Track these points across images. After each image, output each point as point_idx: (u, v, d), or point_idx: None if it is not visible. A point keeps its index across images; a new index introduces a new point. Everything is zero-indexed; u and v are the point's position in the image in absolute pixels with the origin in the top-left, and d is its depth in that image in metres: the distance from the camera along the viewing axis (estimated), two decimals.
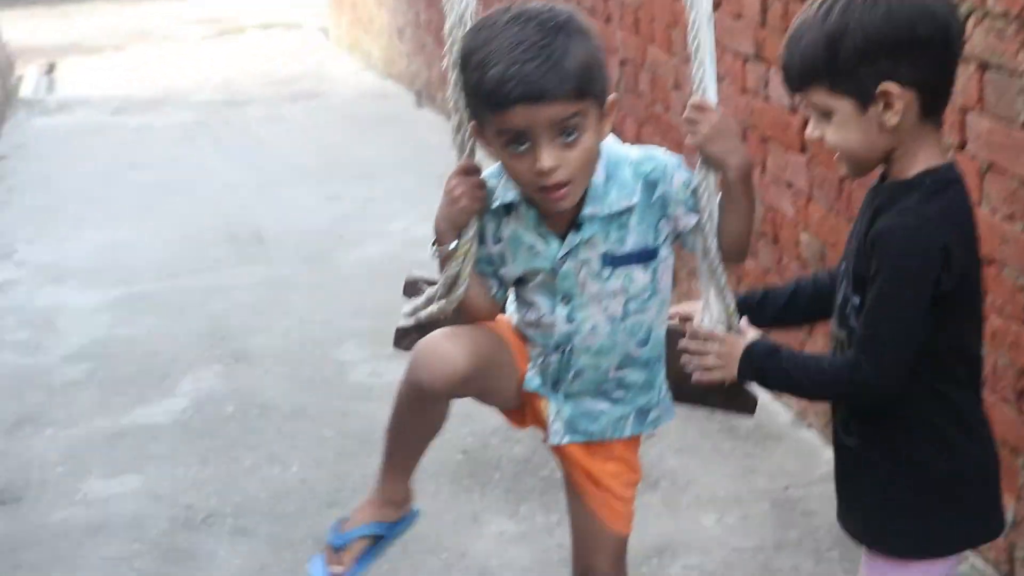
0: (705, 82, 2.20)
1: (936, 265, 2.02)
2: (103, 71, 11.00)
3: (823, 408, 3.90)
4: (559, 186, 2.12)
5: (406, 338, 2.45)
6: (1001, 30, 2.87)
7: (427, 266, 2.45)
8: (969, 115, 3.03)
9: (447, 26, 2.16)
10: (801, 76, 2.08)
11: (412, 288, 2.50)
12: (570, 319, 2.28)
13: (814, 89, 2.08)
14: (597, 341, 2.29)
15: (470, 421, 4.08)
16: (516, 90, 2.05)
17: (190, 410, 4.42)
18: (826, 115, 2.08)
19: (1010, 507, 3.07)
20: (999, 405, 3.06)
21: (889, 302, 2.04)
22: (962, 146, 3.06)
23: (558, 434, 2.38)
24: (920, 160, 2.08)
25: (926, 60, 2.03)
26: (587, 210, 2.20)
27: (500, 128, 2.11)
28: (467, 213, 2.21)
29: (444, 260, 2.25)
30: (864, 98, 2.04)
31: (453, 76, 2.19)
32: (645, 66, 4.92)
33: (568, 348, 2.30)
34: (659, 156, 2.25)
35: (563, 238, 2.23)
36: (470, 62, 2.12)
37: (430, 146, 7.62)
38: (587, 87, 2.10)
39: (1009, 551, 3.10)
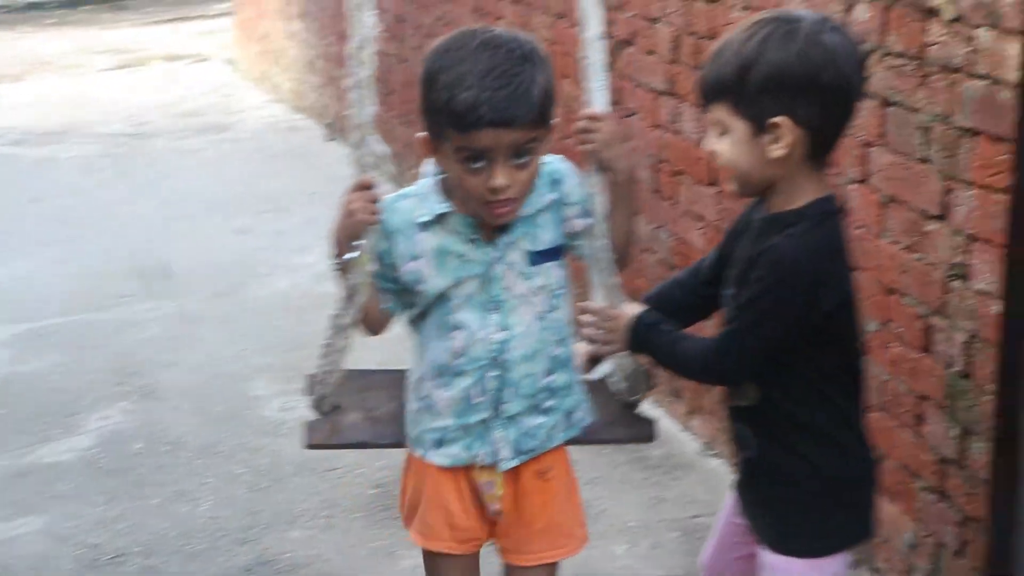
0: (597, 95, 2.43)
1: (810, 290, 2.22)
2: (1, 101, 10.91)
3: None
4: (506, 202, 2.31)
5: (318, 431, 2.59)
6: (901, 68, 3.04)
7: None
8: (871, 149, 3.19)
9: (351, 47, 2.31)
10: (712, 91, 2.28)
11: (313, 381, 2.60)
12: (503, 326, 2.43)
13: (719, 105, 2.27)
14: (529, 344, 2.44)
15: (384, 455, 4.15)
16: (488, 115, 2.22)
17: (96, 448, 4.44)
18: (724, 132, 2.28)
19: (910, 529, 3.21)
20: (898, 430, 3.21)
21: (758, 309, 2.25)
22: (864, 179, 3.22)
23: (507, 460, 2.50)
24: (804, 194, 2.27)
25: (822, 105, 2.20)
26: None
27: (462, 146, 2.27)
28: (363, 225, 2.35)
29: (343, 270, 2.40)
30: (759, 125, 2.22)
31: (357, 94, 2.33)
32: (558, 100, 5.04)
33: (505, 360, 2.44)
34: (556, 160, 2.47)
35: (491, 243, 2.41)
36: (438, 81, 2.27)
37: (340, 178, 7.54)
38: (546, 115, 2.31)
39: (908, 573, 3.24)
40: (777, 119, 2.19)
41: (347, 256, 2.37)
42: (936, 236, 2.98)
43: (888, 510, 3.28)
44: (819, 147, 2.25)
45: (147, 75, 11.90)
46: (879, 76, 3.11)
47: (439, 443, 2.50)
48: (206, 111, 10.05)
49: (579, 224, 2.45)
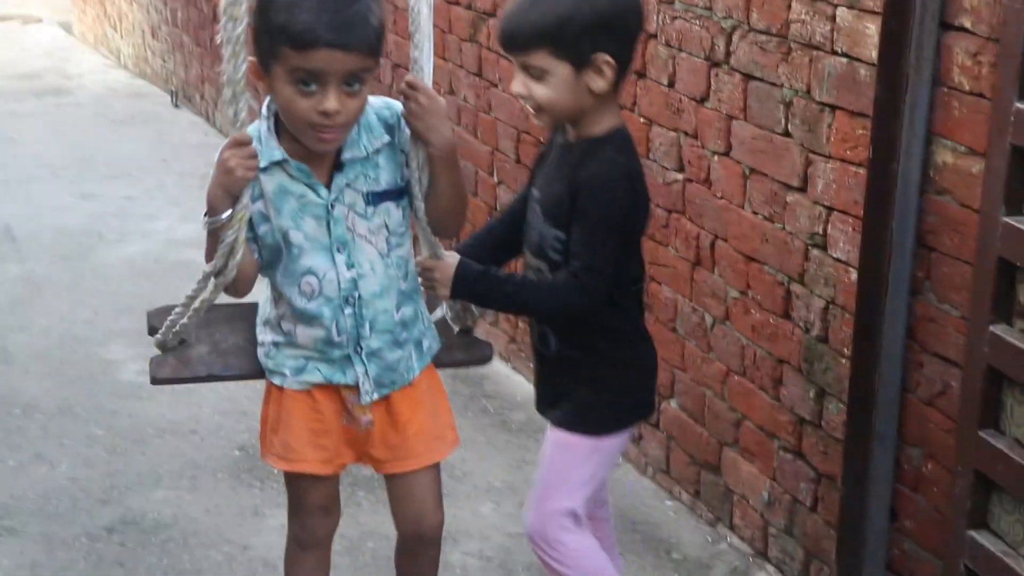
0: (422, 63, 2.52)
1: (630, 206, 2.58)
2: None
3: None
4: (334, 129, 2.37)
5: (165, 365, 2.63)
6: (763, 44, 3.16)
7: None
8: (734, 123, 3.31)
9: (223, 3, 2.30)
10: (528, 40, 2.51)
11: (159, 316, 2.65)
12: (350, 265, 2.52)
13: (536, 52, 2.51)
14: (377, 282, 2.54)
15: (245, 419, 4.16)
16: (326, 36, 2.28)
17: None
18: (538, 76, 2.53)
19: (765, 486, 3.37)
20: (756, 393, 3.35)
21: (598, 236, 2.53)
22: (727, 151, 3.34)
23: (368, 393, 2.60)
24: (606, 120, 2.59)
25: (628, 40, 2.58)
26: (346, 155, 2.48)
27: (297, 66, 2.31)
28: (243, 182, 2.38)
29: (220, 229, 2.39)
30: (581, 65, 2.51)
31: (230, 50, 2.31)
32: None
33: (356, 296, 2.53)
34: (395, 104, 2.55)
35: (328, 186, 2.48)
36: (275, 3, 2.31)
37: (190, 146, 7.58)
38: (379, 47, 2.39)
39: (764, 528, 3.40)
40: (600, 56, 2.50)
41: (227, 213, 2.38)
42: (796, 207, 3.12)
43: (746, 469, 3.43)
44: (622, 76, 2.57)
45: None
46: (742, 52, 3.23)
47: (299, 370, 2.59)
48: (42, 74, 9.77)
49: (406, 173, 2.55)
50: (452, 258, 2.63)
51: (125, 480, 3.89)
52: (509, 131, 4.46)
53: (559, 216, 2.57)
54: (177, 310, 2.59)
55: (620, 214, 2.54)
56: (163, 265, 5.53)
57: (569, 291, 2.55)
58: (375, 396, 2.61)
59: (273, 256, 2.53)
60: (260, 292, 2.64)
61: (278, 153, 2.46)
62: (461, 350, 2.80)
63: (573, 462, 2.71)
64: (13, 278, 5.56)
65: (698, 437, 3.64)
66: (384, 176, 2.53)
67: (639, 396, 2.77)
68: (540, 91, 2.53)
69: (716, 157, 3.39)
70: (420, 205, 2.55)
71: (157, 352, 2.69)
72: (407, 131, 2.51)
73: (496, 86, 4.51)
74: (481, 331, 4.81)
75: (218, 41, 2.33)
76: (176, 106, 8.57)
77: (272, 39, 2.32)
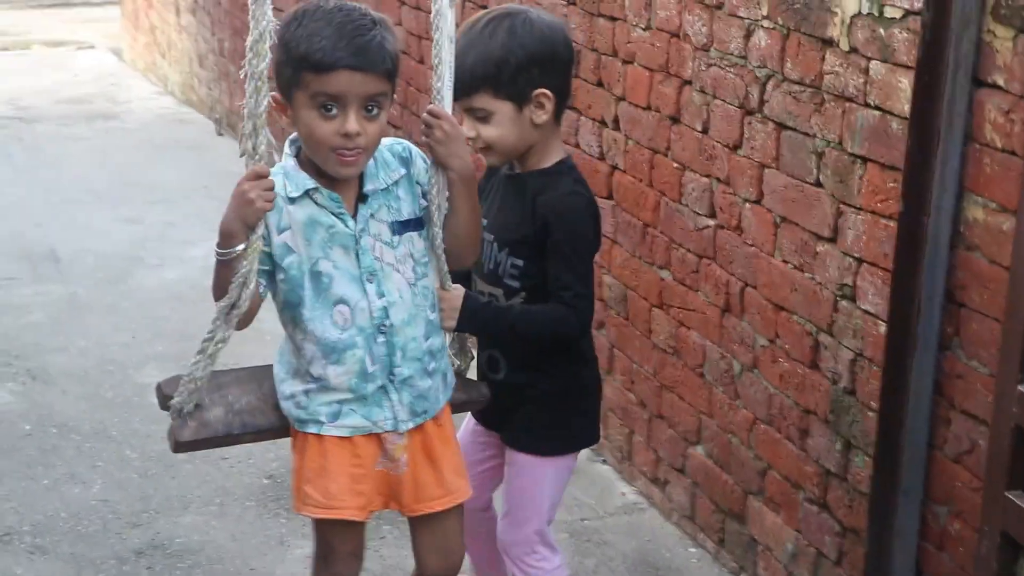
0: (443, 93, 2.59)
1: (596, 232, 2.81)
2: None
3: (618, 444, 4.12)
4: (355, 152, 2.43)
5: (184, 429, 2.58)
6: (797, 94, 3.15)
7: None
8: (766, 171, 3.29)
9: (250, 39, 2.36)
10: (469, 86, 2.66)
11: (171, 385, 2.61)
12: (380, 293, 2.54)
13: (478, 96, 2.69)
14: (406, 310, 2.57)
15: (275, 447, 4.14)
16: (346, 58, 2.38)
17: None
18: (484, 118, 2.70)
19: (790, 538, 3.33)
20: (783, 443, 3.32)
21: (578, 262, 2.74)
22: (759, 199, 3.32)
23: (404, 422, 2.61)
24: (553, 152, 2.79)
25: (562, 72, 2.77)
26: (368, 186, 2.54)
27: (319, 90, 2.39)
28: (261, 213, 2.39)
29: (234, 260, 2.41)
30: (521, 101, 2.69)
31: (253, 85, 2.36)
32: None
33: (388, 324, 2.55)
34: (404, 141, 2.66)
35: (355, 216, 2.52)
36: (294, 36, 2.39)
37: (230, 174, 7.52)
38: (395, 73, 2.47)
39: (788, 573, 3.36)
40: (539, 91, 2.69)
41: (241, 245, 2.40)
42: (826, 257, 3.09)
43: (771, 519, 3.40)
44: (561, 107, 2.76)
45: (29, 59, 11.62)
46: (776, 101, 3.22)
47: (335, 416, 2.58)
48: (92, 99, 9.85)
49: (424, 204, 2.61)
50: (458, 289, 2.70)
51: (155, 503, 3.90)
52: None
53: (518, 245, 2.75)
54: (195, 359, 2.53)
55: (592, 240, 2.80)
56: (199, 291, 5.48)
57: (566, 318, 2.73)
58: (410, 425, 2.62)
59: (295, 292, 2.53)
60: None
61: (310, 182, 2.49)
62: (460, 390, 2.79)
63: (539, 483, 2.87)
64: (56, 299, 5.60)
65: (723, 484, 3.61)
66: (405, 207, 2.59)
67: (591, 416, 2.96)
68: (487, 131, 2.71)
69: (748, 204, 3.38)
70: (438, 232, 2.61)
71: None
72: (420, 163, 2.60)
73: None
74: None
75: (242, 76, 2.38)
76: (220, 134, 8.62)
77: (294, 68, 2.41)
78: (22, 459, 4.15)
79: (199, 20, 9.22)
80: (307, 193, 2.49)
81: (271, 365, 2.69)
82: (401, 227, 2.58)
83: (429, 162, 2.59)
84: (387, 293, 2.55)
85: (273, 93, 2.42)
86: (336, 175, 2.49)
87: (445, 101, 2.59)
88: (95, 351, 5.02)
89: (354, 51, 2.38)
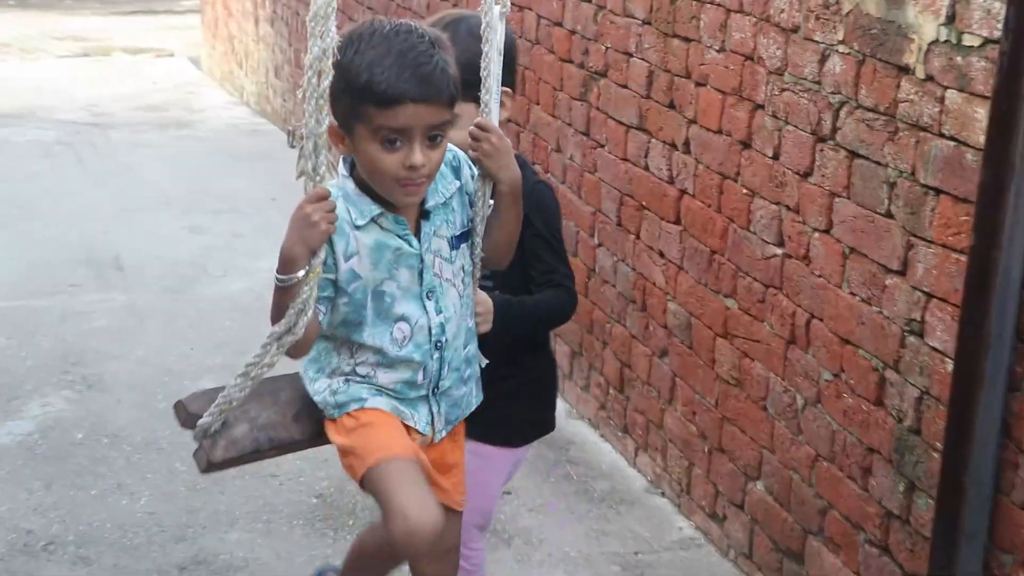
0: (491, 106, 2.64)
1: (561, 219, 3.01)
2: None
3: (678, 476, 4.09)
4: (419, 181, 2.43)
5: (216, 448, 2.54)
6: (870, 122, 3.11)
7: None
8: (836, 200, 3.25)
9: (310, 56, 2.31)
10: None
11: (198, 401, 2.58)
12: (439, 310, 2.57)
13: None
14: (456, 323, 2.61)
15: (326, 466, 4.18)
16: (410, 90, 2.36)
17: (36, 434, 4.43)
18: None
19: None
20: (844, 482, 3.27)
21: (559, 246, 2.93)
22: (828, 229, 3.29)
23: (439, 431, 2.65)
24: None
25: (515, 71, 2.95)
26: (429, 203, 2.56)
27: (381, 124, 2.37)
28: (325, 235, 2.36)
29: (295, 287, 2.35)
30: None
31: (313, 104, 2.30)
32: (528, 127, 5.10)
33: (444, 340, 2.58)
34: (456, 149, 2.63)
35: (418, 236, 2.52)
36: (354, 64, 2.36)
37: (299, 186, 7.67)
38: (457, 97, 2.46)
39: None
40: (504, 89, 2.77)
41: (302, 271, 2.34)
42: (895, 290, 3.05)
43: (830, 560, 3.34)
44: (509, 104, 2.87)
45: (109, 65, 11.85)
46: (849, 128, 3.18)
47: (378, 394, 2.58)
48: (168, 106, 10.02)
49: (470, 213, 2.65)
50: (484, 294, 2.79)
51: (202, 518, 3.93)
52: (613, 193, 4.45)
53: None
54: (236, 381, 2.49)
55: (560, 223, 3.01)
56: (262, 304, 5.47)
57: (566, 300, 2.94)
58: (443, 434, 2.66)
59: (357, 313, 2.52)
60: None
61: (373, 207, 2.48)
62: None
63: (491, 473, 2.99)
64: (117, 307, 5.68)
65: (783, 523, 3.56)
66: (459, 219, 2.61)
67: (553, 404, 3.12)
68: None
69: (816, 234, 3.34)
70: (479, 241, 2.66)
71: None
72: (467, 171, 2.63)
73: (603, 146, 4.50)
74: (572, 396, 4.81)
75: (300, 96, 2.33)
76: (291, 146, 8.66)
77: (354, 100, 2.38)
78: (72, 467, 4.21)
79: (277, 31, 9.34)
80: (372, 219, 2.49)
81: (283, 376, 2.66)
82: (457, 240, 2.61)
83: (476, 172, 2.62)
84: (444, 309, 2.58)
85: (332, 122, 2.36)
86: (400, 204, 2.49)
87: (493, 114, 2.62)
88: (153, 360, 5.09)
89: (418, 82, 2.35)
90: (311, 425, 2.66)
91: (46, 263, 6.17)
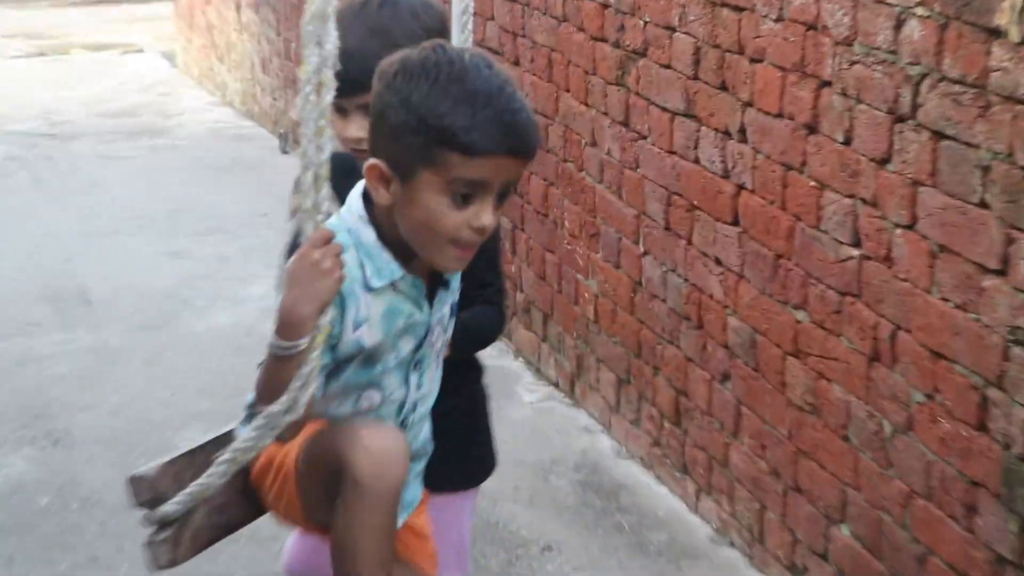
0: None
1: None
2: None
3: (749, 522, 4.08)
4: (473, 247, 2.36)
5: (179, 545, 2.45)
6: (957, 96, 3.10)
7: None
8: (920, 190, 3.25)
9: (306, 69, 2.24)
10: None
11: (161, 479, 2.44)
12: (420, 385, 2.56)
13: None
14: (431, 397, 2.62)
15: None
16: (507, 142, 2.28)
17: None
18: None
19: None
20: (945, 522, 3.26)
21: (499, 259, 2.98)
22: (912, 224, 3.28)
23: (405, 510, 2.60)
24: None
25: None
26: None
27: (461, 176, 2.27)
28: (338, 285, 2.25)
29: (297, 357, 2.23)
30: None
31: (312, 126, 2.22)
32: (557, 118, 5.12)
33: (408, 419, 2.56)
34: None
35: (430, 302, 2.50)
36: (429, 99, 2.25)
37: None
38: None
39: None
40: None
41: (310, 336, 2.22)
42: (994, 294, 3.04)
43: None
44: None
45: (67, 65, 11.97)
46: (932, 104, 3.18)
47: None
48: (138, 111, 10.10)
49: None
50: None
51: None
52: (659, 192, 4.46)
53: None
54: (216, 468, 2.35)
55: (500, 230, 3.10)
56: (255, 338, 5.61)
57: (498, 316, 3.00)
58: (400, 520, 2.62)
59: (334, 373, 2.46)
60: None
61: (398, 270, 2.41)
62: None
63: (466, 522, 3.04)
64: (84, 348, 5.73)
65: (874, 572, 3.56)
66: (455, 282, 2.60)
67: (491, 435, 3.11)
68: (355, 130, 2.75)
69: (899, 230, 3.34)
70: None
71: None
72: None
73: (645, 138, 4.51)
74: (620, 431, 4.81)
75: (294, 117, 2.29)
76: (285, 151, 8.76)
77: (428, 140, 2.27)
78: (37, 539, 4.23)
79: (262, 18, 9.40)
80: (392, 283, 2.42)
81: (213, 439, 2.55)
82: (456, 306, 2.61)
83: None
84: (424, 384, 2.57)
85: (376, 161, 2.31)
86: (443, 269, 2.44)
87: None
88: (128, 410, 5.12)
89: (516, 133, 2.30)
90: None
91: (0, 301, 6.22)
